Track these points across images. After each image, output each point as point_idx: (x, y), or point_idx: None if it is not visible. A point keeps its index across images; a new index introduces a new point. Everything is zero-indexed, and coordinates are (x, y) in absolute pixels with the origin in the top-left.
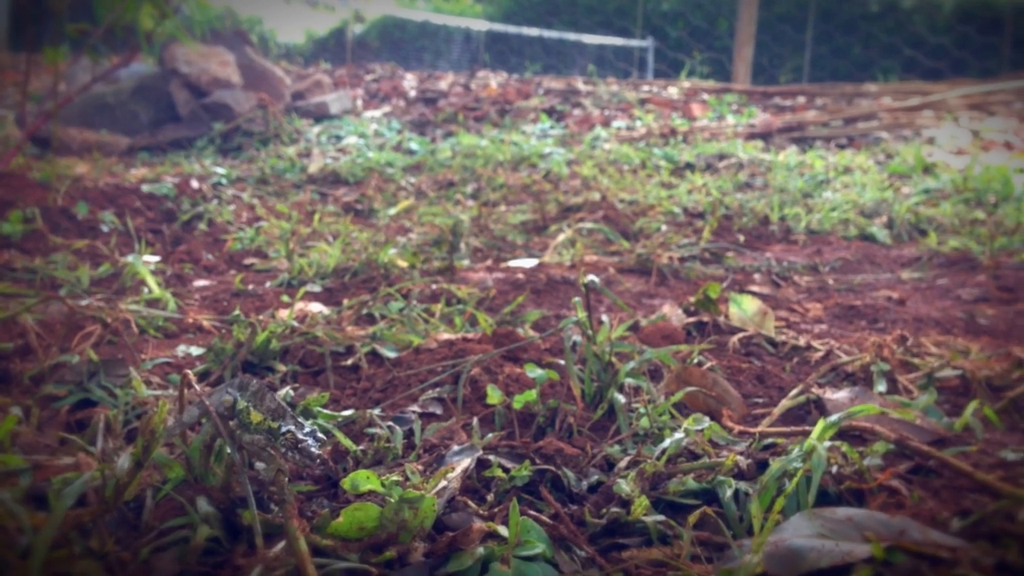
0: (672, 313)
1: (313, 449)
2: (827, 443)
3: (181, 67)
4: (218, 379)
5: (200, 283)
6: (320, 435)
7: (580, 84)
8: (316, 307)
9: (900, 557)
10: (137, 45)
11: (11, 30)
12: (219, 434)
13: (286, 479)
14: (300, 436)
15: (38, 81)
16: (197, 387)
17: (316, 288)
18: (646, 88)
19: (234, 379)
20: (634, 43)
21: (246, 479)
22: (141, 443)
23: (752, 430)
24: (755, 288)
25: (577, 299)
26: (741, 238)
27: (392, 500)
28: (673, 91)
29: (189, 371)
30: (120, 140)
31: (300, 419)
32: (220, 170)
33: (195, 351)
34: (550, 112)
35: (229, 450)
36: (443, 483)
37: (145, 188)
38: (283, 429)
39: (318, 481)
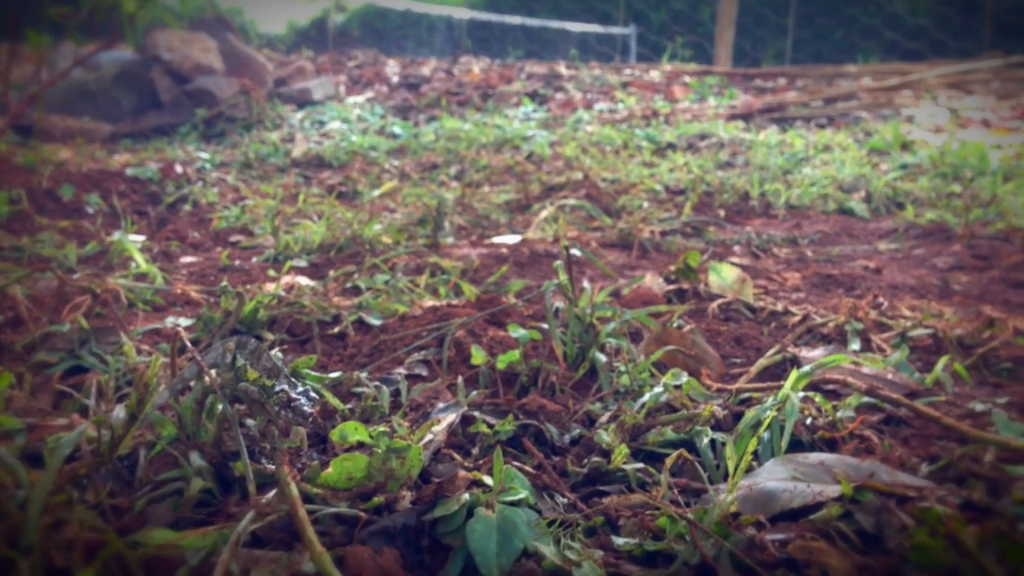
0: (653, 282)
1: (305, 408)
2: (801, 394)
3: (163, 54)
4: (207, 348)
5: (187, 259)
6: (313, 394)
7: (562, 68)
8: (303, 280)
9: (869, 496)
10: (119, 29)
11: None
12: (212, 391)
13: (276, 429)
14: (293, 395)
15: (18, 70)
16: (189, 343)
17: (302, 263)
18: (628, 72)
19: (231, 338)
20: (616, 31)
21: (239, 431)
22: (135, 396)
23: (729, 387)
24: (735, 259)
25: (559, 263)
26: (722, 213)
27: (380, 450)
28: (655, 74)
29: (181, 329)
30: (102, 127)
31: (293, 379)
32: (204, 155)
33: (184, 322)
34: (532, 96)
35: (221, 405)
36: (429, 436)
37: (129, 172)
38: (276, 388)
39: (307, 438)
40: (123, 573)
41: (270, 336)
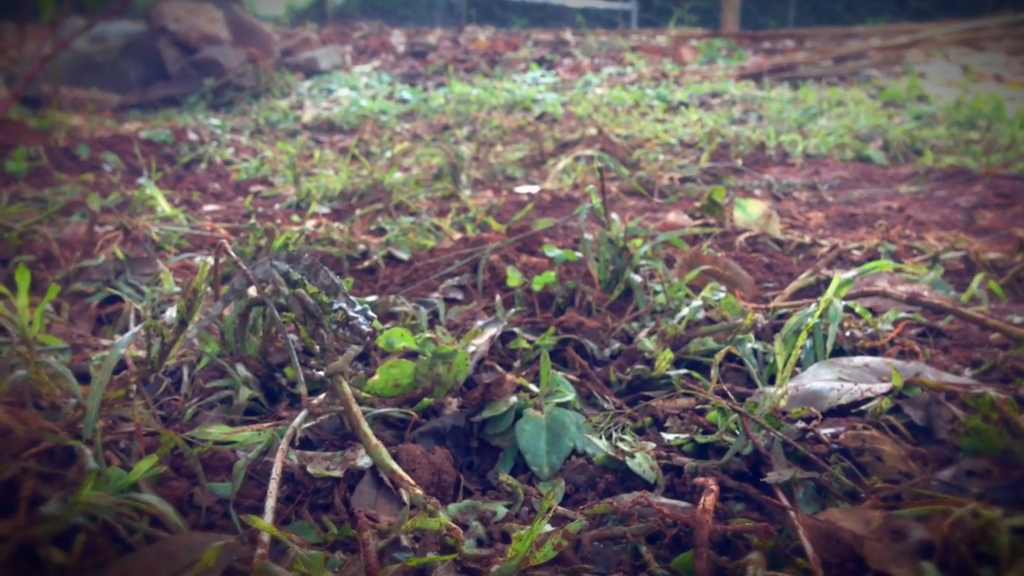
0: (678, 218)
1: (364, 327)
2: (842, 303)
3: (170, 24)
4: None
5: (209, 207)
6: (371, 313)
7: (569, 36)
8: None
9: (917, 391)
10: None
11: None
12: (257, 303)
13: (324, 332)
14: (351, 313)
15: (24, 48)
16: (233, 254)
17: (324, 209)
18: (634, 37)
19: (282, 252)
20: (616, 5)
21: (287, 337)
22: (184, 302)
23: (766, 306)
24: None
25: (591, 187)
26: (739, 162)
27: (426, 357)
28: (661, 39)
29: (225, 242)
30: (111, 98)
31: (352, 297)
32: (214, 121)
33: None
34: (540, 62)
35: (266, 314)
36: (472, 347)
37: (143, 135)
38: (335, 306)
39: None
40: (177, 472)
41: None
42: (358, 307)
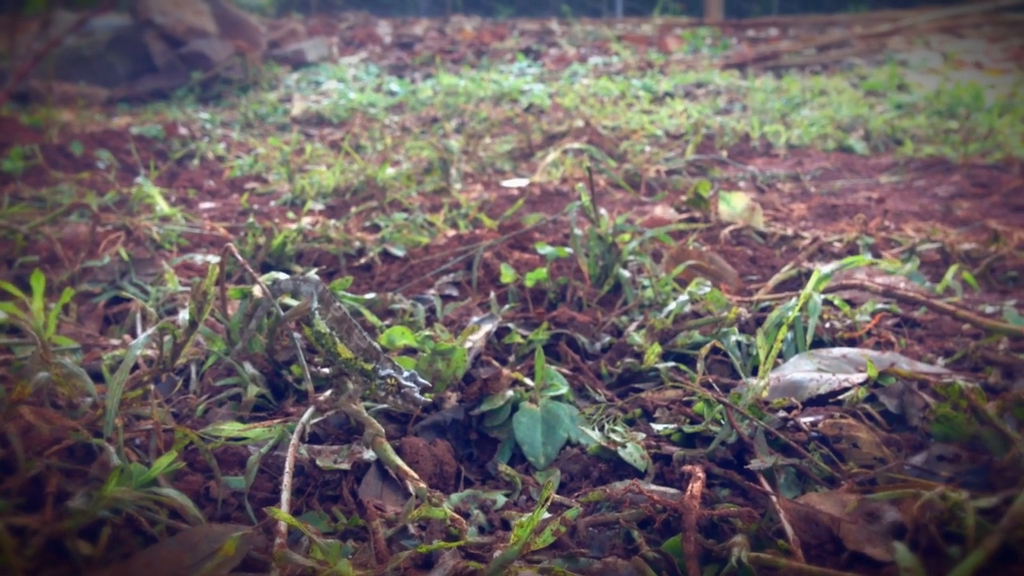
0: (664, 212)
1: (416, 394)
2: (821, 296)
3: (156, 17)
4: (239, 281)
5: (205, 205)
6: (420, 380)
7: (555, 25)
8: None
9: (891, 380)
10: None
11: None
12: (262, 303)
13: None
14: (402, 381)
15: (13, 43)
16: (240, 257)
17: (319, 206)
18: (619, 26)
19: (316, 282)
20: None
21: (294, 337)
22: (194, 305)
23: (749, 299)
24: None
25: (581, 184)
26: (724, 154)
27: (425, 354)
28: (647, 28)
29: (232, 246)
30: (99, 92)
31: (395, 361)
32: (204, 115)
33: (213, 259)
34: (527, 52)
35: (273, 311)
36: (469, 344)
37: (134, 131)
38: (382, 372)
39: None
40: (192, 467)
41: (299, 269)
42: (406, 373)
